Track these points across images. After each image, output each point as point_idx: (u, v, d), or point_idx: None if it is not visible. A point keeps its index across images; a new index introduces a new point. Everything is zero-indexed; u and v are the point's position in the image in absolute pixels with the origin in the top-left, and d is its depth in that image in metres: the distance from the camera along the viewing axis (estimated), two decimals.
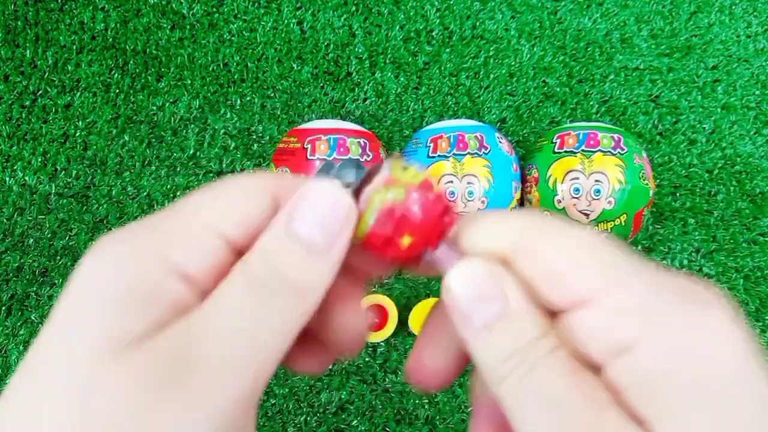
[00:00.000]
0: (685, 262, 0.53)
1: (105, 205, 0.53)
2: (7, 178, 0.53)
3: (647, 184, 0.46)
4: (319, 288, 0.16)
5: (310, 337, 0.18)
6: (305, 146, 0.46)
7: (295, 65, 0.55)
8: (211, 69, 0.55)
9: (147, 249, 0.15)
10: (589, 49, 0.56)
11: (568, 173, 0.45)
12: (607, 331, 0.15)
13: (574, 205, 0.45)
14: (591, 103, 0.55)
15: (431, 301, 0.50)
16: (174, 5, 0.56)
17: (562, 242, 0.15)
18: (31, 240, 0.53)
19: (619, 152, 0.45)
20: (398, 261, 0.17)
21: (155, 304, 0.14)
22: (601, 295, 0.15)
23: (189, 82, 0.55)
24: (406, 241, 0.16)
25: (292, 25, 0.56)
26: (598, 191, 0.44)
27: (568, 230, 0.16)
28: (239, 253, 0.16)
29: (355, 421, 0.50)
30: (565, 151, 0.46)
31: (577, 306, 0.15)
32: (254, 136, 0.54)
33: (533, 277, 0.16)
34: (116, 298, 0.14)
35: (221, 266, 0.16)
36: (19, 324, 0.52)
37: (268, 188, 0.16)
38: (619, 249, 0.15)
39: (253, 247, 0.16)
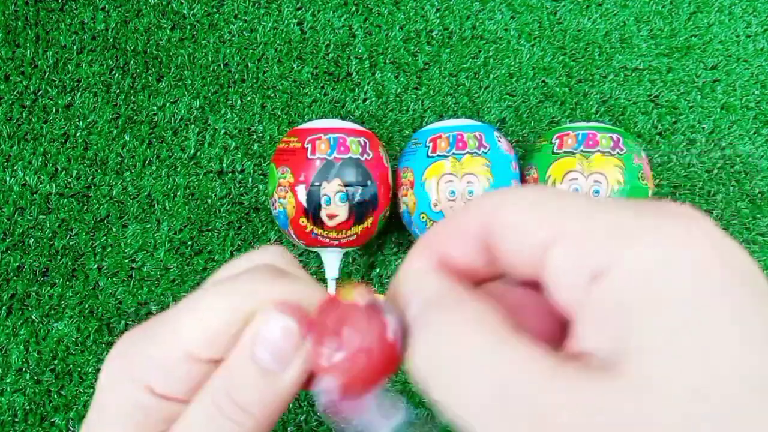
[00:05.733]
0: None
1: (105, 205, 0.53)
2: (8, 178, 0.53)
3: (646, 185, 0.46)
4: (268, 408, 0.17)
5: None
6: (305, 146, 0.46)
7: (295, 65, 0.55)
8: (211, 69, 0.55)
9: (132, 375, 0.17)
10: (588, 49, 0.56)
11: (566, 174, 0.45)
12: (573, 264, 0.13)
13: None
14: (590, 103, 0.55)
15: None
16: (174, 5, 0.56)
17: (518, 199, 0.15)
18: (32, 240, 0.53)
19: (618, 153, 0.45)
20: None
21: (145, 424, 0.17)
22: (562, 232, 0.14)
23: (189, 82, 0.55)
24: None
25: (292, 25, 0.56)
26: (597, 192, 0.44)
27: (525, 189, 0.15)
28: (218, 361, 0.17)
29: (355, 420, 0.50)
30: (564, 152, 0.46)
31: (546, 252, 0.14)
32: (254, 136, 0.54)
33: (504, 247, 0.15)
34: (118, 421, 0.17)
35: (199, 380, 0.17)
36: (19, 324, 0.52)
37: (239, 305, 0.17)
38: (576, 194, 0.15)
39: (218, 369, 0.17)
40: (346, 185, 0.45)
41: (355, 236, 0.47)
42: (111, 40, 0.56)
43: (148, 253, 0.53)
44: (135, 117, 0.55)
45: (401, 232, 0.53)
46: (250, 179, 0.54)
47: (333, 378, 0.16)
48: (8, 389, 0.51)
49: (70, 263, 0.53)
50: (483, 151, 0.46)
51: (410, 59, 0.56)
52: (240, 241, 0.53)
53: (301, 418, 0.49)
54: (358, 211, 0.46)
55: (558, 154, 0.46)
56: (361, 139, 0.47)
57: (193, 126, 0.54)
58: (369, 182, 0.46)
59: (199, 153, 0.54)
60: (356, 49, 0.56)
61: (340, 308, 0.16)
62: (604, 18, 0.56)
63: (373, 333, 0.16)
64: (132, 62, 0.55)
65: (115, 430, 0.17)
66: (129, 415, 0.17)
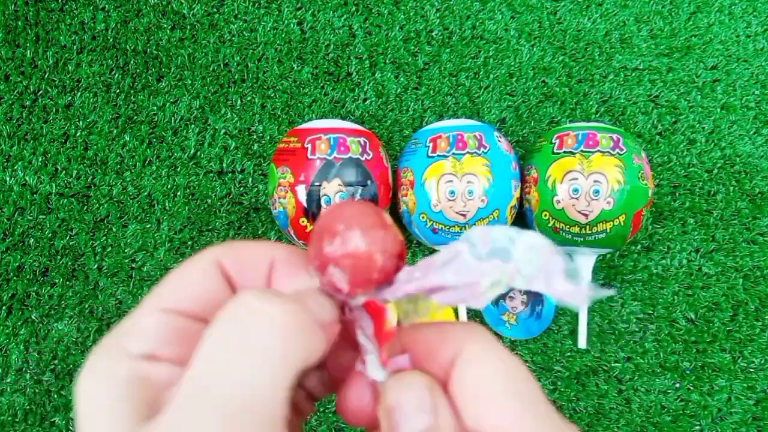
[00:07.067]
0: (684, 261, 0.53)
1: (105, 205, 0.53)
2: (8, 178, 0.53)
3: (646, 184, 0.46)
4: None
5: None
6: (305, 146, 0.46)
7: (295, 65, 0.55)
8: (211, 69, 0.55)
9: (114, 355, 0.17)
10: (588, 49, 0.56)
11: (567, 174, 0.45)
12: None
13: (573, 205, 0.45)
14: (590, 103, 0.55)
15: None
16: (174, 5, 0.56)
17: (483, 373, 0.17)
18: (32, 239, 0.53)
19: (618, 152, 0.45)
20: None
21: (138, 397, 0.16)
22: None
23: (189, 82, 0.55)
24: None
25: (292, 25, 0.56)
26: (597, 191, 0.44)
27: (493, 358, 0.17)
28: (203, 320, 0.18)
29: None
30: (564, 152, 0.46)
31: None
32: (254, 136, 0.54)
33: (459, 399, 0.17)
34: (114, 413, 0.16)
35: (184, 333, 0.17)
36: (19, 324, 0.52)
37: (218, 264, 0.18)
38: (528, 383, 0.17)
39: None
40: (346, 185, 0.45)
41: None
42: (111, 40, 0.56)
43: (148, 253, 0.53)
44: (135, 117, 0.55)
45: (401, 232, 0.53)
46: (250, 179, 0.54)
47: (341, 269, 0.18)
48: (8, 389, 0.51)
49: (70, 263, 0.53)
50: (483, 151, 0.46)
51: (410, 59, 0.56)
52: None
53: None
54: None
55: (558, 154, 0.46)
56: (361, 139, 0.47)
57: (193, 126, 0.54)
58: (369, 182, 0.46)
59: (199, 153, 0.54)
60: (356, 49, 0.56)
61: (343, 209, 0.19)
62: (604, 18, 0.56)
63: (372, 223, 0.18)
64: (132, 62, 0.55)
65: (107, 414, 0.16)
66: (120, 398, 0.16)
